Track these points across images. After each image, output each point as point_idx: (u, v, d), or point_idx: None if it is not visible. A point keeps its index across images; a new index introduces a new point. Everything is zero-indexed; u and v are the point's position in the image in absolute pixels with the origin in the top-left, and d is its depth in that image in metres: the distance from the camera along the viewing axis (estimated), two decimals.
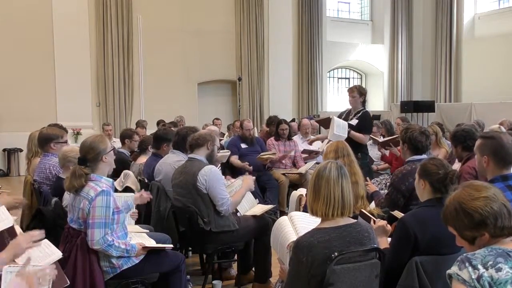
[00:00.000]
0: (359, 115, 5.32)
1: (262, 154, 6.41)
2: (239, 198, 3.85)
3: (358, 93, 5.37)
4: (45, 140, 4.23)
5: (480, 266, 1.57)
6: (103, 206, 2.82)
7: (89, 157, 2.92)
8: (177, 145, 4.38)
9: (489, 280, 1.55)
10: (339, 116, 5.52)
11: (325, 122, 5.47)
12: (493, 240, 1.66)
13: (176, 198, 3.84)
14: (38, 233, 2.32)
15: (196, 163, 3.74)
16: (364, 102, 5.42)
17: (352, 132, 5.17)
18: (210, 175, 3.65)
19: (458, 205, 1.72)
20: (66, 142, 4.42)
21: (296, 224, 2.75)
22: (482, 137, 2.89)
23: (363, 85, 17.89)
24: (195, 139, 3.85)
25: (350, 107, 5.53)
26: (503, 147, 2.72)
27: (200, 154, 3.82)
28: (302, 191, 4.54)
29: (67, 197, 3.41)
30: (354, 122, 5.29)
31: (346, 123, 5.25)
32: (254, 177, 4.24)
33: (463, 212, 1.70)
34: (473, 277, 1.56)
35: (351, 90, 5.46)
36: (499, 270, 1.56)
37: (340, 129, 5.08)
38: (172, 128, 6.14)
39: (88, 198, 2.82)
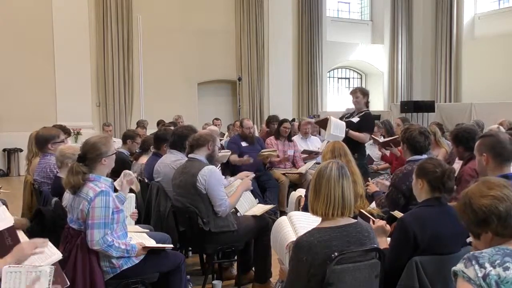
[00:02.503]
0: (361, 114, 5.33)
1: (262, 151, 6.42)
2: (236, 199, 3.85)
3: (361, 94, 5.39)
4: (43, 142, 4.22)
5: (487, 265, 1.57)
6: (102, 206, 2.82)
7: (89, 156, 2.92)
8: (174, 144, 4.37)
9: (496, 279, 1.55)
10: (342, 117, 5.52)
11: (324, 123, 5.46)
12: (498, 238, 1.66)
13: (176, 198, 3.84)
14: (42, 241, 2.33)
15: (196, 164, 3.74)
16: (367, 103, 5.43)
17: (351, 131, 5.15)
18: (210, 176, 3.64)
19: (467, 200, 1.72)
20: (63, 141, 4.41)
21: (295, 224, 2.75)
22: (480, 137, 2.92)
23: (363, 85, 17.95)
24: (196, 139, 3.85)
25: (350, 107, 5.53)
26: (500, 142, 2.76)
27: (200, 154, 3.81)
28: (301, 191, 4.55)
29: (67, 197, 3.40)
30: (355, 120, 5.28)
31: (343, 123, 5.22)
32: (253, 175, 4.22)
33: (470, 208, 1.70)
34: (479, 275, 1.56)
35: (354, 92, 5.48)
36: (506, 269, 1.56)
37: (337, 129, 5.06)
38: (172, 128, 6.14)
39: (87, 198, 2.82)
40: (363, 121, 5.27)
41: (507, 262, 1.57)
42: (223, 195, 3.69)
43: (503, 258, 1.58)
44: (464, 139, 3.82)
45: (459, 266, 1.62)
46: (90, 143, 2.96)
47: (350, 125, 5.20)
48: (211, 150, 3.87)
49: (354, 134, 5.15)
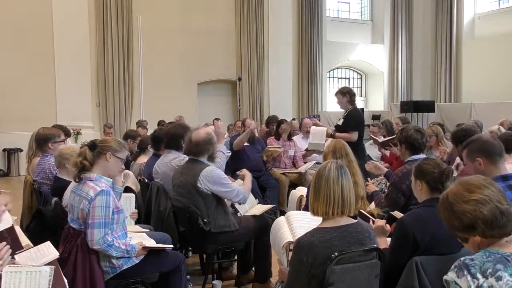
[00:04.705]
0: (345, 114, 5.41)
1: (268, 147, 6.45)
2: (247, 188, 3.87)
3: (341, 94, 5.50)
4: (43, 141, 4.24)
5: (479, 275, 1.52)
6: (103, 206, 2.82)
7: (99, 145, 2.97)
8: (169, 145, 4.33)
9: None
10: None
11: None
12: (487, 240, 1.62)
13: (176, 198, 3.84)
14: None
15: (197, 164, 3.72)
16: (351, 101, 5.47)
17: (337, 134, 5.27)
18: (212, 175, 3.62)
19: (449, 206, 1.68)
20: (63, 141, 4.42)
21: (292, 224, 2.75)
22: (464, 146, 2.93)
23: (363, 85, 17.97)
24: (194, 145, 3.73)
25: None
26: (486, 142, 2.80)
27: (201, 157, 3.80)
28: (302, 190, 4.54)
29: (67, 197, 3.41)
30: (340, 122, 5.38)
31: (323, 129, 5.43)
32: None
33: (453, 214, 1.66)
34: (472, 287, 1.52)
35: (335, 94, 5.61)
36: (499, 279, 1.51)
37: (316, 137, 5.26)
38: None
39: (87, 198, 2.82)
40: (347, 120, 5.35)
41: (499, 270, 1.52)
42: (233, 186, 3.69)
43: (494, 266, 1.53)
44: (462, 137, 3.95)
45: (451, 276, 1.57)
46: (108, 138, 3.13)
47: (338, 129, 5.31)
48: (211, 152, 3.86)
49: (340, 135, 5.21)
